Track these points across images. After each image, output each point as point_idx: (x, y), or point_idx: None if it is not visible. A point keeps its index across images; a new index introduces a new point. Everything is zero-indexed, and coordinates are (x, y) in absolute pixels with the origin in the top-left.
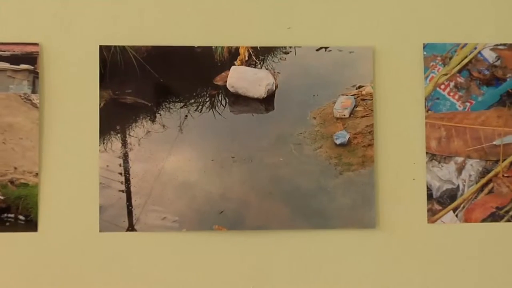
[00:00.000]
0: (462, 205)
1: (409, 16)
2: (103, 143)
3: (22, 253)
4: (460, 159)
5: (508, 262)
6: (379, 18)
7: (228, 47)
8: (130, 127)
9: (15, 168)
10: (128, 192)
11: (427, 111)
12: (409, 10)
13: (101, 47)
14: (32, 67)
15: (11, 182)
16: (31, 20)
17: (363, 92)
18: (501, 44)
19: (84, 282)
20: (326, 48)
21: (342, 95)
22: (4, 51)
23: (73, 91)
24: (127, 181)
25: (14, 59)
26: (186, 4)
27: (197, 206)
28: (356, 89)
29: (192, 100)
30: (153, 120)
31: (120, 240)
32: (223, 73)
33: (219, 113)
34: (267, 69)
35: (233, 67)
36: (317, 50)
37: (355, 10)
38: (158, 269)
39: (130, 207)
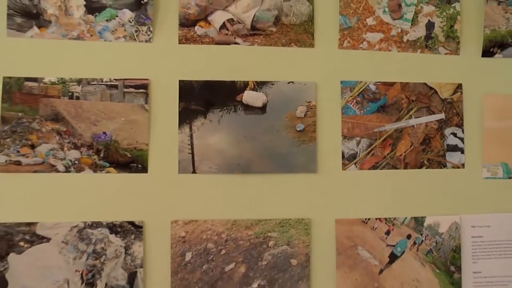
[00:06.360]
0: (359, 161)
1: (334, 67)
2: (180, 129)
3: (138, 186)
4: (358, 138)
5: (382, 189)
6: (319, 70)
7: (244, 81)
8: (193, 121)
9: (137, 141)
10: (192, 154)
11: (342, 115)
12: (335, 65)
13: (180, 80)
14: (145, 90)
15: (135, 148)
16: (146, 66)
17: (311, 105)
18: (377, 82)
19: (170, 203)
20: (292, 82)
21: (300, 105)
22: (132, 83)
23: (165, 103)
24: (192, 149)
25: (136, 87)
26: (222, 60)
27: (227, 161)
28: (307, 102)
29: (225, 107)
30: (205, 117)
31: (189, 178)
32: (241, 94)
33: (238, 114)
34: (263, 92)
35: (246, 91)
36: (288, 83)
37: (305, 64)
38: (207, 194)
39: (193, 161)
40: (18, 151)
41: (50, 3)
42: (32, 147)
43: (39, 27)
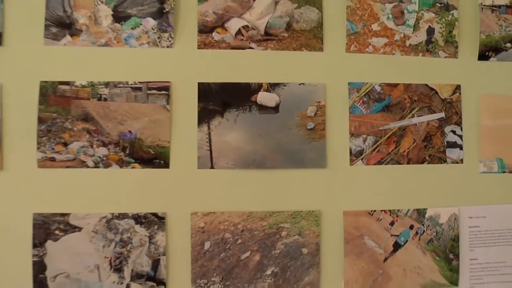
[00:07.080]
0: (365, 157)
1: (341, 70)
2: (199, 128)
3: (161, 180)
4: (364, 136)
5: (386, 183)
6: (328, 73)
7: (258, 83)
8: (211, 120)
9: (159, 139)
10: (210, 151)
11: (349, 114)
12: (342, 67)
13: (198, 83)
14: (167, 92)
15: (157, 145)
16: (168, 70)
17: (320, 105)
18: (382, 83)
19: (190, 197)
20: (303, 83)
21: (311, 105)
22: (155, 85)
23: (186, 103)
24: (210, 146)
25: (159, 89)
26: (238, 64)
27: (242, 157)
28: (317, 102)
29: (241, 107)
30: (222, 116)
31: (208, 173)
32: (255, 95)
33: (253, 114)
34: (275, 93)
35: (260, 92)
36: (299, 84)
37: (314, 67)
38: (225, 187)
39: (211, 157)
40: (53, 148)
41: (81, 13)
42: (65, 144)
43: (71, 36)
